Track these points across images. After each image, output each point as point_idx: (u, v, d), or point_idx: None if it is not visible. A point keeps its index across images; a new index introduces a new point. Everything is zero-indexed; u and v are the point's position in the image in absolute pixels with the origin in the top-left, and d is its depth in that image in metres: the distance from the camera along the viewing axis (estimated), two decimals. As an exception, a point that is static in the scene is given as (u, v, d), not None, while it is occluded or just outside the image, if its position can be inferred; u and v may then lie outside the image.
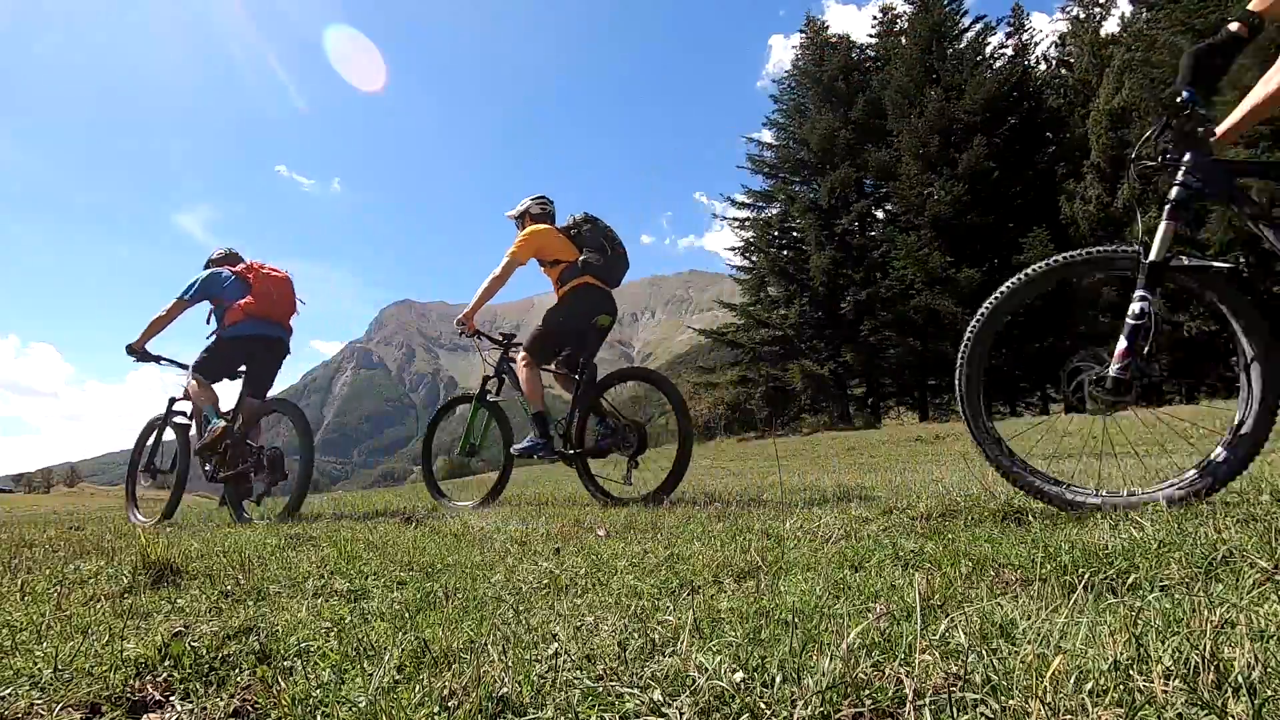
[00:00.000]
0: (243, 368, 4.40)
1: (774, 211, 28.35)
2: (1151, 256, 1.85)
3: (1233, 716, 0.66)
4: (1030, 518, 2.10)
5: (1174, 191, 1.86)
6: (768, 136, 29.48)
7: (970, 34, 25.49)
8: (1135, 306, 1.85)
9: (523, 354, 3.99)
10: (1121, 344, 1.87)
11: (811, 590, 1.32)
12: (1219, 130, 1.87)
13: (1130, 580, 1.20)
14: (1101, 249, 1.98)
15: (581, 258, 3.93)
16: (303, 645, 1.14)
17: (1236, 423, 1.83)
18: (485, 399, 4.38)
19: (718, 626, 1.08)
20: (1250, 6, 1.81)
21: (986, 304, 2.13)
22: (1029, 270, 2.06)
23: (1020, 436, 2.40)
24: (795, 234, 27.42)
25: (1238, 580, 1.15)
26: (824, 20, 28.98)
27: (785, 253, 27.56)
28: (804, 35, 28.85)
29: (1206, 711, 0.67)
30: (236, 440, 4.18)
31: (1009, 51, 25.90)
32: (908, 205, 24.09)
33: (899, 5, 27.59)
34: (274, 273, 4.53)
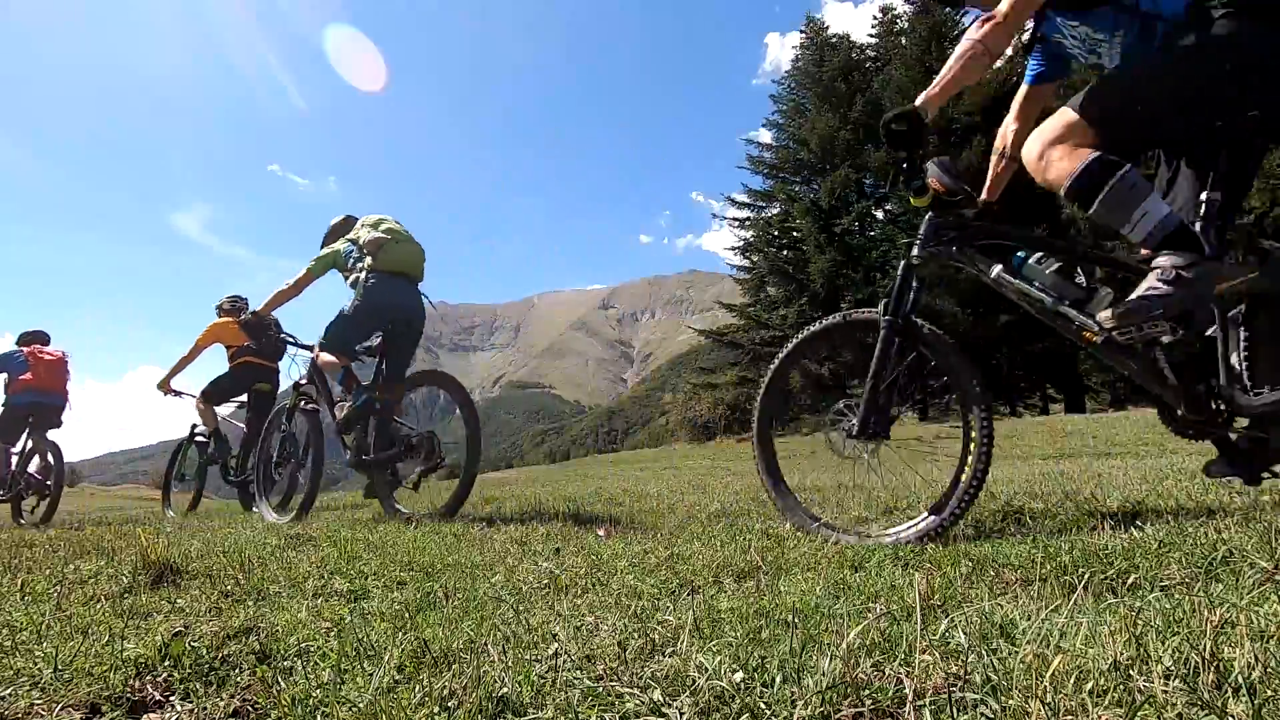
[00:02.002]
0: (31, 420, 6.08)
1: (774, 212, 28.35)
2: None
3: (1233, 716, 0.66)
4: (1030, 519, 2.11)
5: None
6: (766, 136, 29.52)
7: (970, 34, 25.52)
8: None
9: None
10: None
11: (811, 590, 1.32)
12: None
13: (1130, 580, 1.20)
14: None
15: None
16: (303, 645, 1.14)
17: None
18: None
19: (718, 626, 1.08)
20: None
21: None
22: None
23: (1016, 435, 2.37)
24: (795, 234, 27.41)
25: (1238, 580, 1.15)
26: (823, 20, 29.03)
27: (785, 253, 27.56)
28: (804, 35, 28.87)
29: (1206, 711, 0.67)
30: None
31: (1009, 52, 25.90)
32: (907, 206, 24.09)
33: (899, 5, 27.62)
34: (48, 355, 6.17)
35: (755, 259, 28.25)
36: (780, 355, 2.33)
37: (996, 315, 21.57)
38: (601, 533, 2.50)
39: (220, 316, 5.98)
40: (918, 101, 1.93)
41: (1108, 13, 1.74)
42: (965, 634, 0.89)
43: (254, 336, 4.69)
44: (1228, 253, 1.68)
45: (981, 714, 0.70)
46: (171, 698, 0.98)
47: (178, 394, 5.98)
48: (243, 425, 5.93)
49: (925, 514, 1.97)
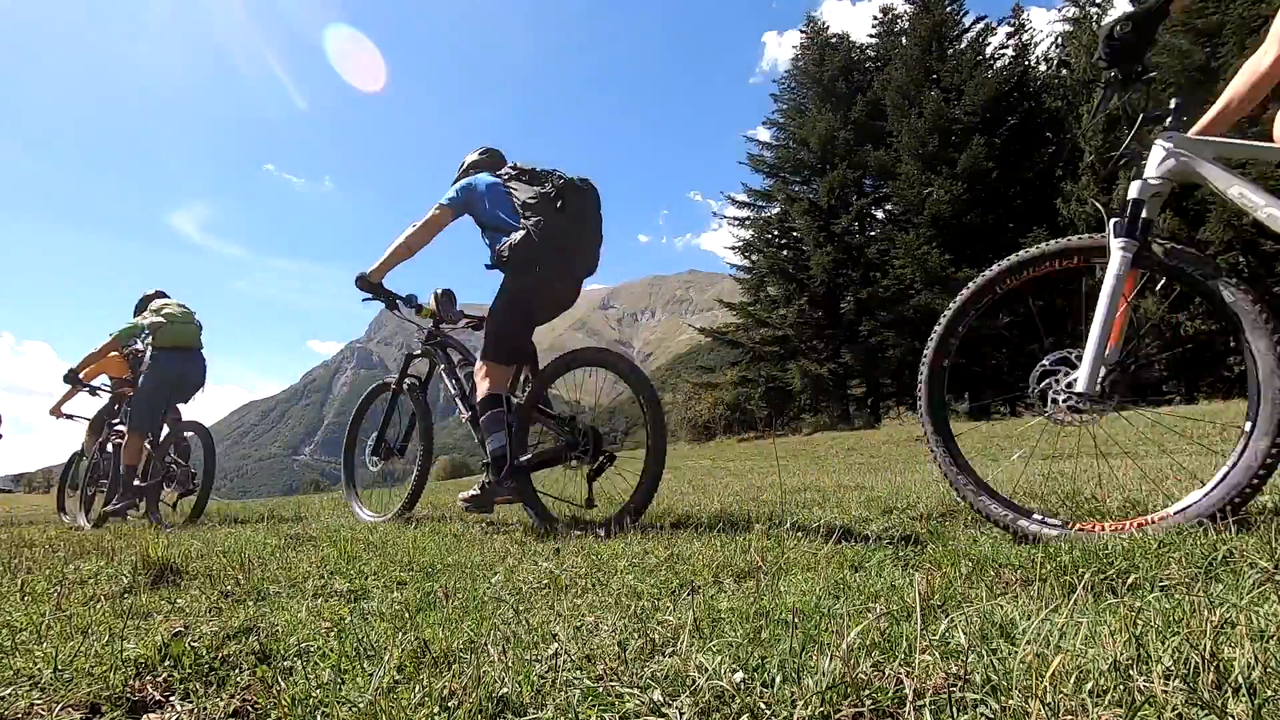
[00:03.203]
0: None
1: (773, 211, 28.35)
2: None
3: (1233, 716, 0.66)
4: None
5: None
6: (765, 135, 29.50)
7: (970, 34, 25.50)
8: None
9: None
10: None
11: (811, 590, 1.32)
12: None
13: (1130, 580, 1.20)
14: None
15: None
16: (303, 645, 1.14)
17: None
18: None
19: (718, 626, 1.08)
20: None
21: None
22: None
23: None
24: (795, 234, 27.40)
25: (1238, 580, 1.15)
26: (823, 20, 29.03)
27: (785, 252, 27.55)
28: (804, 35, 28.87)
29: (1206, 711, 0.67)
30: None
31: (1009, 52, 25.90)
32: (907, 205, 24.08)
33: (899, 5, 27.61)
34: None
35: (755, 258, 28.25)
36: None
37: (996, 315, 21.59)
38: (602, 532, 2.50)
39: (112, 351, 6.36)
40: None
41: None
42: (965, 634, 0.89)
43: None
44: None
45: (981, 714, 0.70)
46: (171, 698, 0.98)
47: (69, 417, 6.62)
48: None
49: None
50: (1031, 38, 26.49)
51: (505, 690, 0.85)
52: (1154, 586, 1.17)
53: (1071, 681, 0.73)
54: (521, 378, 3.22)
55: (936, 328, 2.07)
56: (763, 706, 0.76)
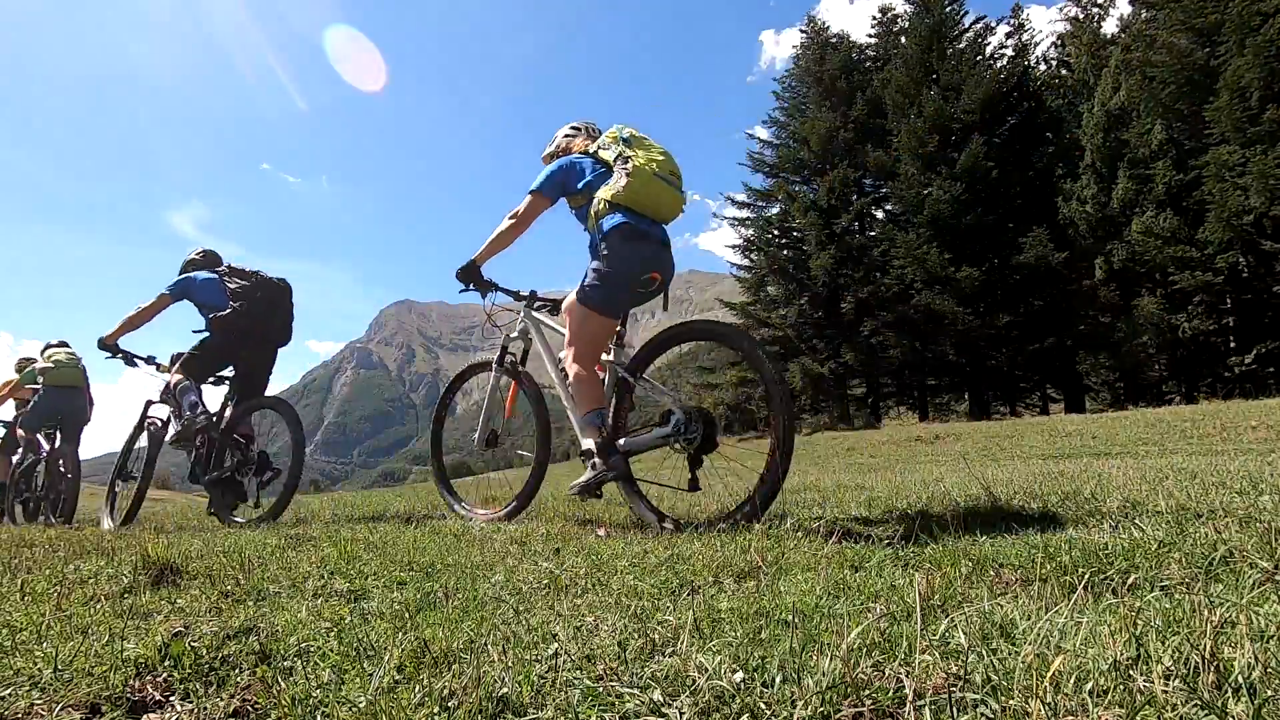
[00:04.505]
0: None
1: (774, 210, 28.36)
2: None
3: (1233, 716, 0.66)
4: (1030, 519, 2.10)
5: None
6: (764, 134, 29.50)
7: (970, 34, 25.49)
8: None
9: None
10: None
11: (811, 590, 1.32)
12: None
13: (1130, 580, 1.20)
14: None
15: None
16: (303, 645, 1.14)
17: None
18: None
19: (718, 626, 1.08)
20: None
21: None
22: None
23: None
24: (795, 233, 27.42)
25: (1238, 580, 1.15)
26: (823, 20, 29.04)
27: (785, 252, 27.56)
28: (804, 35, 28.89)
29: (1206, 711, 0.67)
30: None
31: (1009, 52, 25.90)
32: (907, 204, 24.09)
33: (899, 5, 27.62)
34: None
35: (755, 257, 28.26)
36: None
37: (996, 314, 21.62)
38: (601, 532, 2.50)
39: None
40: None
41: None
42: (965, 634, 0.89)
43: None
44: None
45: (981, 714, 0.71)
46: (171, 698, 0.98)
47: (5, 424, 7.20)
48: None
49: None
50: (1031, 37, 26.51)
51: (505, 690, 0.85)
52: (1154, 586, 1.17)
53: (1072, 681, 0.73)
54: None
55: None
56: (763, 706, 0.76)
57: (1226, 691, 0.70)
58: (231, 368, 4.59)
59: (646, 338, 2.93)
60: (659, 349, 2.81)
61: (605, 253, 2.65)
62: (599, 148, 2.85)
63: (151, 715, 0.94)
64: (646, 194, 2.64)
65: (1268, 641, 0.81)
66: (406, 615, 1.33)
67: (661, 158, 2.71)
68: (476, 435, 3.46)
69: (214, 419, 4.29)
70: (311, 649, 1.13)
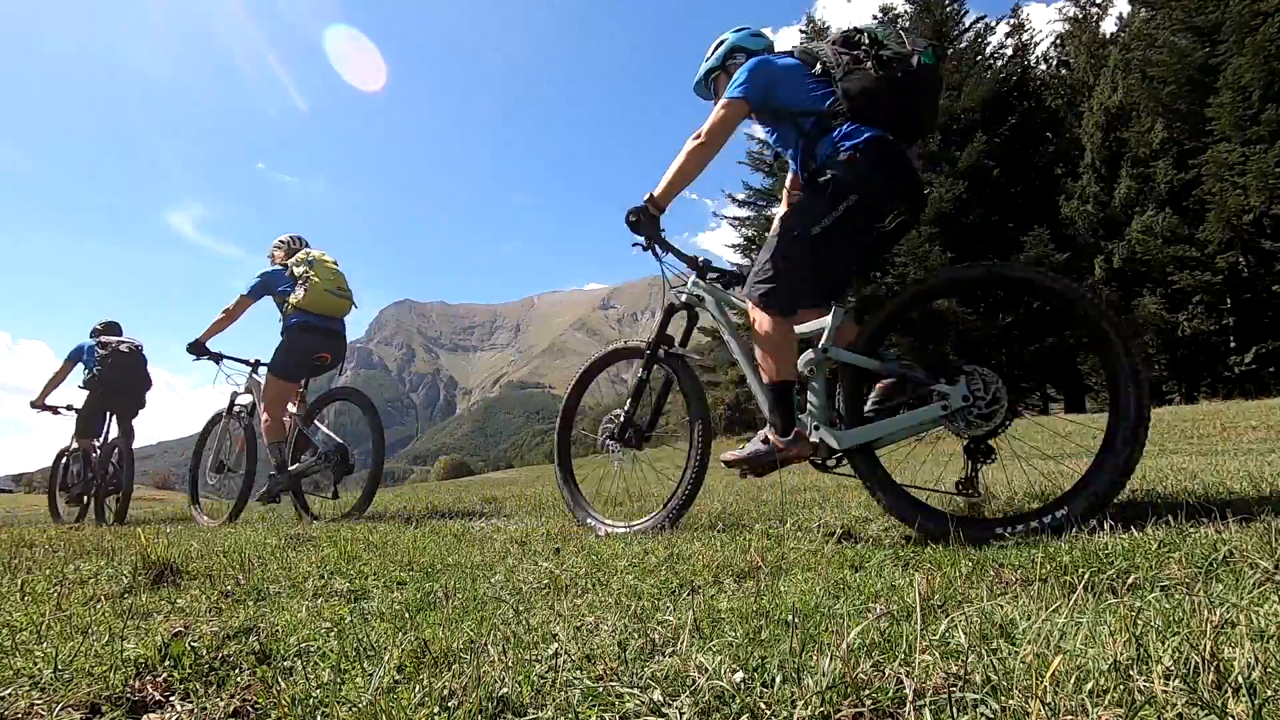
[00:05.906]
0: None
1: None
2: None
3: (1233, 716, 0.66)
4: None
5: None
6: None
7: (970, 34, 25.49)
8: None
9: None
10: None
11: (811, 590, 1.32)
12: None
13: (1130, 580, 1.20)
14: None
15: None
16: (303, 645, 1.14)
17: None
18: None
19: (718, 626, 1.08)
20: None
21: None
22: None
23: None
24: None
25: (1238, 580, 1.15)
26: (821, 19, 29.03)
27: (785, 252, 27.58)
28: (804, 35, 28.89)
29: (1206, 711, 0.67)
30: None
31: (1009, 51, 25.90)
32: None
33: (899, 4, 27.59)
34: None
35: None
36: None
37: (996, 315, 21.61)
38: (602, 532, 2.50)
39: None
40: None
41: None
42: (965, 634, 0.89)
43: None
44: None
45: (981, 714, 0.70)
46: (171, 698, 0.98)
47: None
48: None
49: None
50: (1031, 37, 26.49)
51: (505, 690, 0.85)
52: (1154, 586, 1.17)
53: (1071, 681, 0.73)
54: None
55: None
56: (763, 706, 0.76)
57: (1226, 691, 0.70)
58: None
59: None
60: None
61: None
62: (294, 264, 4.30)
63: (151, 715, 0.94)
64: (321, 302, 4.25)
65: (1268, 641, 0.81)
66: (406, 615, 1.33)
67: (332, 276, 4.29)
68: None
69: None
70: (311, 649, 1.13)
